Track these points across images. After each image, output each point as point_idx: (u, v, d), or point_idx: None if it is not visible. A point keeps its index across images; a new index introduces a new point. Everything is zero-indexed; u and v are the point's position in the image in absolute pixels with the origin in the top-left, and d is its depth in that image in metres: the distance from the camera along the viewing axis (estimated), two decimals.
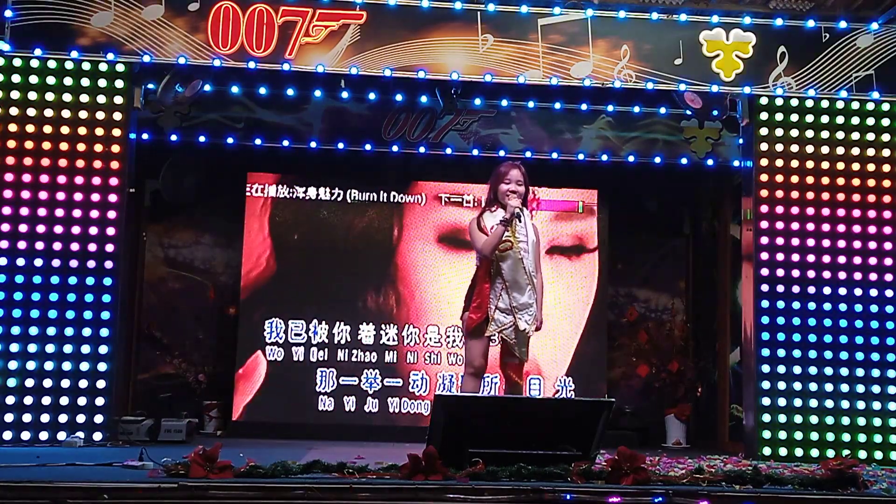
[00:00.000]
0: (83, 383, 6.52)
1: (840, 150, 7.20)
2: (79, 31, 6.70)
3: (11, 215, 6.61)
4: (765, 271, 7.05)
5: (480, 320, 5.75)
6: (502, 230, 5.71)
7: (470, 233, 5.94)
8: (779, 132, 7.19)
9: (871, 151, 7.20)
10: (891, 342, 7.00)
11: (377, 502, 4.16)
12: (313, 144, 8.25)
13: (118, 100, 6.82)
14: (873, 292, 7.04)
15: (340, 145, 8.26)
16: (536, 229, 5.99)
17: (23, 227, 6.61)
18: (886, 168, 7.19)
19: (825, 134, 7.20)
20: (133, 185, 7.00)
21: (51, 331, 6.53)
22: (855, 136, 7.21)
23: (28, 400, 6.45)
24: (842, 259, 7.08)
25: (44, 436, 6.43)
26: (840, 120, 7.21)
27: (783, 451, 6.84)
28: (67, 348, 6.53)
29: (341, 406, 8.43)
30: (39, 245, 6.60)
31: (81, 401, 6.51)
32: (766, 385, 6.93)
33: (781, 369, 6.94)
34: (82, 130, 6.75)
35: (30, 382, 6.46)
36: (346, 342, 8.51)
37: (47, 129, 6.72)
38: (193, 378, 8.59)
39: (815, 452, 6.79)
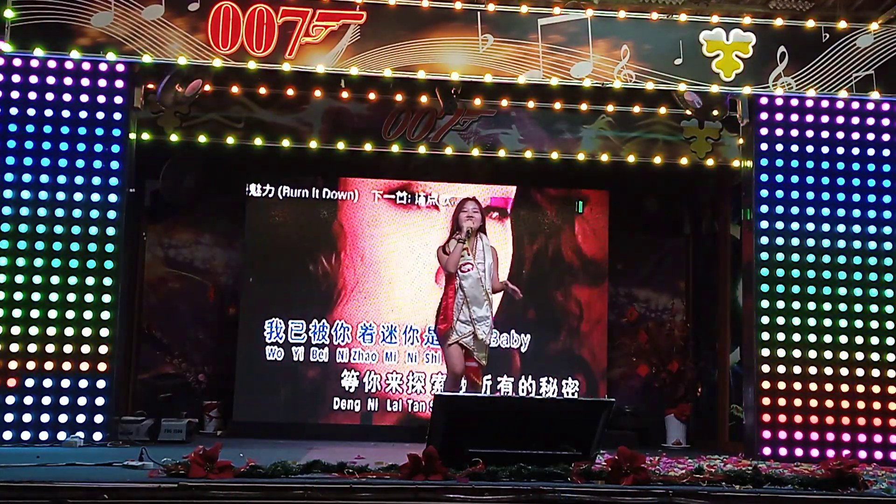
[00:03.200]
0: (83, 383, 6.52)
1: (840, 150, 7.20)
2: (79, 31, 6.70)
3: (12, 215, 6.61)
4: (765, 271, 7.05)
5: (447, 330, 6.65)
6: (461, 247, 6.65)
7: (437, 257, 6.89)
8: (779, 132, 7.19)
9: (871, 151, 7.21)
10: (891, 342, 7.00)
11: (377, 502, 4.17)
12: (313, 144, 8.26)
13: (118, 100, 6.82)
14: (873, 292, 7.04)
15: (340, 145, 8.27)
16: (495, 252, 6.84)
17: (23, 228, 6.61)
18: (886, 168, 7.20)
19: (825, 134, 7.20)
20: (133, 185, 7.01)
21: (51, 331, 6.54)
22: (855, 136, 7.21)
23: (28, 400, 6.46)
24: (842, 259, 7.08)
25: (44, 436, 6.44)
26: (840, 120, 7.22)
27: (783, 451, 6.85)
28: (67, 348, 6.53)
29: (341, 406, 8.43)
30: (39, 245, 6.60)
31: (81, 401, 6.51)
32: (766, 385, 6.94)
33: (781, 369, 6.95)
34: (82, 130, 6.75)
35: (30, 382, 6.46)
36: (347, 342, 8.52)
37: (47, 128, 6.72)
38: (193, 378, 8.60)
39: (815, 452, 6.80)
